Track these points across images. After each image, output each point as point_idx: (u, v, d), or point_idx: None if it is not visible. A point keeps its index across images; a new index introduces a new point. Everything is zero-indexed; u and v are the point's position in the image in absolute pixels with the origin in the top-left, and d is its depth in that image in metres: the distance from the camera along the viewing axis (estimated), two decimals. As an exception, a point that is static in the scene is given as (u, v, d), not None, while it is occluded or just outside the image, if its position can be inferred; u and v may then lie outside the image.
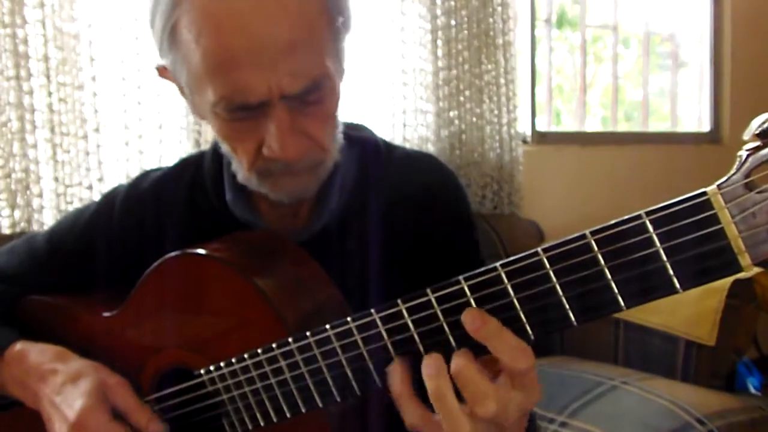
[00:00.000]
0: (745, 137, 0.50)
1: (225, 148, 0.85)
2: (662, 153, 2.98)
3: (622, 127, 3.31)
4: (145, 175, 1.02)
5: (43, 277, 1.00)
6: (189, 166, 1.01)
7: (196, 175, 0.98)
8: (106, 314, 0.92)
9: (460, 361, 0.63)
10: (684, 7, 3.24)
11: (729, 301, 1.86)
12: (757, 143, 0.49)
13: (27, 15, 1.72)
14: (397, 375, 0.66)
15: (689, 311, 1.91)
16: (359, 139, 0.96)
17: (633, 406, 1.73)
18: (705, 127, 3.25)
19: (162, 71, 0.87)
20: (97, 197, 1.59)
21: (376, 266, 0.89)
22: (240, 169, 0.85)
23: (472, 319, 0.62)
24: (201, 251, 0.84)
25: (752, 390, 2.27)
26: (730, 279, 1.86)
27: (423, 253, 0.91)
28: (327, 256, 0.87)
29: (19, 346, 0.91)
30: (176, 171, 1.01)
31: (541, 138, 2.73)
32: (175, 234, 0.95)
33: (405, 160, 0.97)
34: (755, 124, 0.49)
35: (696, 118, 3.29)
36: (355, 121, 1.00)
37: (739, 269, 0.52)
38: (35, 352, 0.89)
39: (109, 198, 1.02)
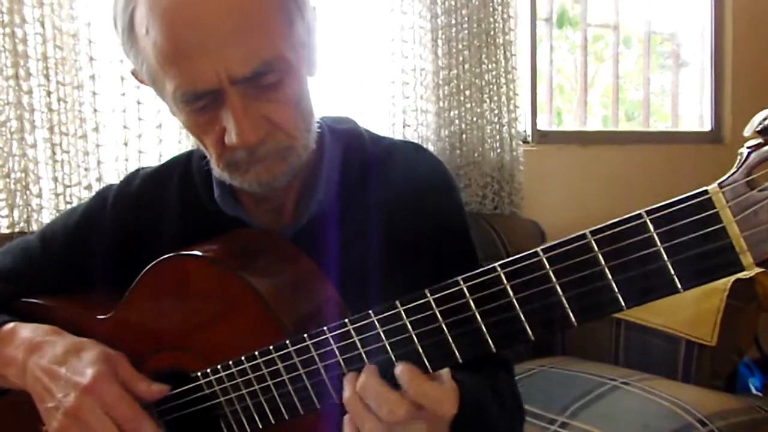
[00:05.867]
0: (746, 134, 0.49)
1: (196, 142, 0.86)
2: (663, 152, 2.98)
3: (623, 126, 3.31)
4: (136, 173, 1.03)
5: (37, 276, 1.00)
6: (179, 163, 1.01)
7: (186, 173, 0.98)
8: (100, 317, 0.91)
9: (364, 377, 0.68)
10: (685, 6, 3.23)
11: (730, 301, 1.86)
12: (759, 140, 0.48)
13: (26, 14, 1.72)
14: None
15: (690, 311, 1.91)
16: (344, 132, 0.96)
17: (634, 406, 1.72)
18: (706, 126, 3.24)
19: (136, 75, 0.88)
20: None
21: (367, 258, 0.88)
22: (212, 162, 0.86)
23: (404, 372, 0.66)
24: (195, 253, 0.84)
25: (753, 390, 2.26)
26: (731, 279, 1.85)
27: (413, 244, 0.90)
28: (316, 249, 0.87)
29: (11, 325, 0.91)
30: (167, 169, 1.02)
31: (542, 137, 2.72)
32: (169, 231, 0.95)
33: (392, 150, 0.97)
34: (756, 121, 0.48)
35: (697, 118, 3.29)
36: (340, 115, 1.00)
37: (741, 268, 0.51)
38: (28, 329, 0.89)
39: (101, 196, 1.02)
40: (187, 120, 0.81)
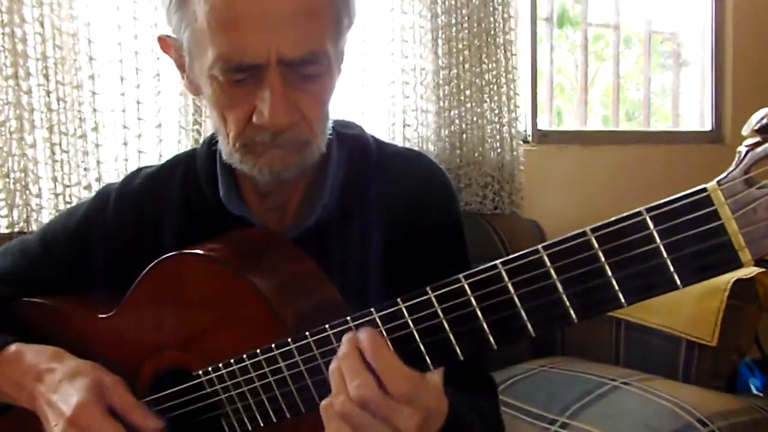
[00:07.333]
0: (744, 133, 0.49)
1: (215, 120, 0.86)
2: (664, 152, 2.98)
3: (624, 126, 3.31)
4: (137, 172, 1.02)
5: (37, 276, 1.00)
6: (181, 162, 1.01)
7: (189, 172, 0.98)
8: (101, 316, 0.91)
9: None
10: (685, 5, 3.23)
11: (731, 301, 1.85)
12: (757, 139, 0.49)
13: (25, 13, 1.72)
14: None
15: (690, 311, 1.90)
16: (350, 137, 0.96)
17: (634, 406, 1.72)
18: (707, 126, 3.24)
19: (164, 43, 0.88)
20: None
21: (367, 264, 0.89)
22: (225, 143, 0.85)
23: (369, 341, 0.66)
24: (198, 251, 0.84)
25: (754, 390, 2.27)
26: (732, 279, 1.85)
27: (412, 251, 0.91)
28: (320, 252, 0.87)
29: (14, 347, 0.91)
30: (168, 168, 1.01)
31: (542, 137, 2.72)
32: (171, 230, 0.95)
33: (395, 158, 0.97)
34: (754, 120, 0.49)
35: (698, 117, 3.28)
36: (347, 119, 1.00)
37: (740, 265, 0.51)
38: (32, 353, 0.89)
39: (102, 196, 1.01)
40: (217, 90, 0.81)
